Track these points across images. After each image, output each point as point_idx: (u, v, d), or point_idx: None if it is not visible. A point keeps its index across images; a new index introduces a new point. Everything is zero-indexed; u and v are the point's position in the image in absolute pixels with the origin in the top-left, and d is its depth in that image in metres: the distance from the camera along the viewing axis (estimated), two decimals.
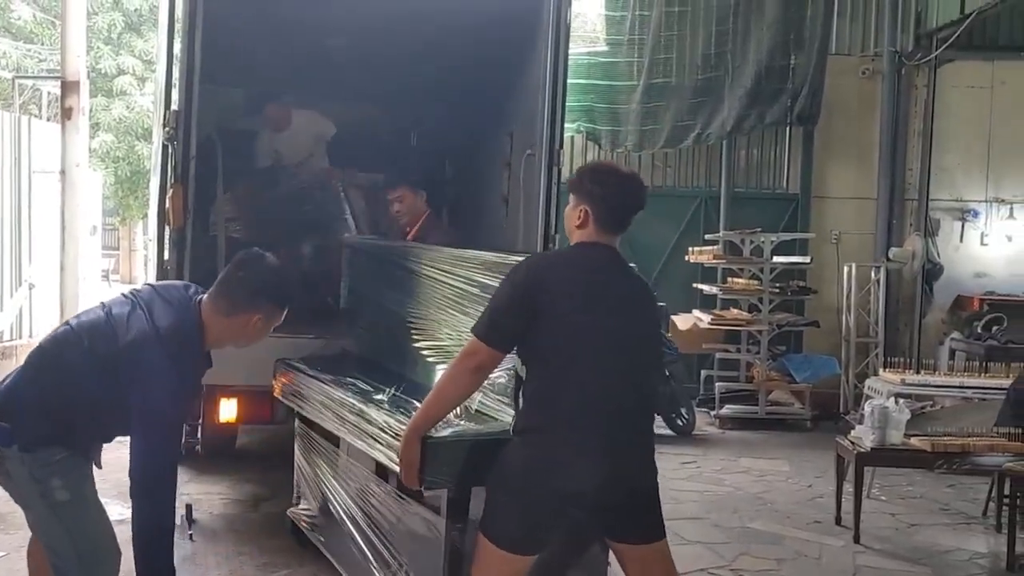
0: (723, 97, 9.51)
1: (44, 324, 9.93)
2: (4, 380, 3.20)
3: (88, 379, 3.04)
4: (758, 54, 9.43)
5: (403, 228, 5.53)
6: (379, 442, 3.24)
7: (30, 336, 9.76)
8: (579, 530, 2.95)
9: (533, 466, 2.78)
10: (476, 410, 3.20)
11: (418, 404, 3.13)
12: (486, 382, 2.99)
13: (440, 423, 2.97)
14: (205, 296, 3.14)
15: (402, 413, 3.24)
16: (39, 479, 3.09)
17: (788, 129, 9.88)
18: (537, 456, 2.78)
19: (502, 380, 3.15)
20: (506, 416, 3.11)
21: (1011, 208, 9.91)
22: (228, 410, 4.90)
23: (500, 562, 2.83)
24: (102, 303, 3.21)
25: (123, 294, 3.23)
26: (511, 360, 3.03)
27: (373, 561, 3.49)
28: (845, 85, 9.84)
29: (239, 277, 3.13)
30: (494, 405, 3.23)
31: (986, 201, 9.93)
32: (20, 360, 10.12)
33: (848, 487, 5.60)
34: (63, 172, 9.58)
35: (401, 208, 5.47)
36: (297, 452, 4.28)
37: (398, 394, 3.42)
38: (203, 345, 3.11)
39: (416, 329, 3.64)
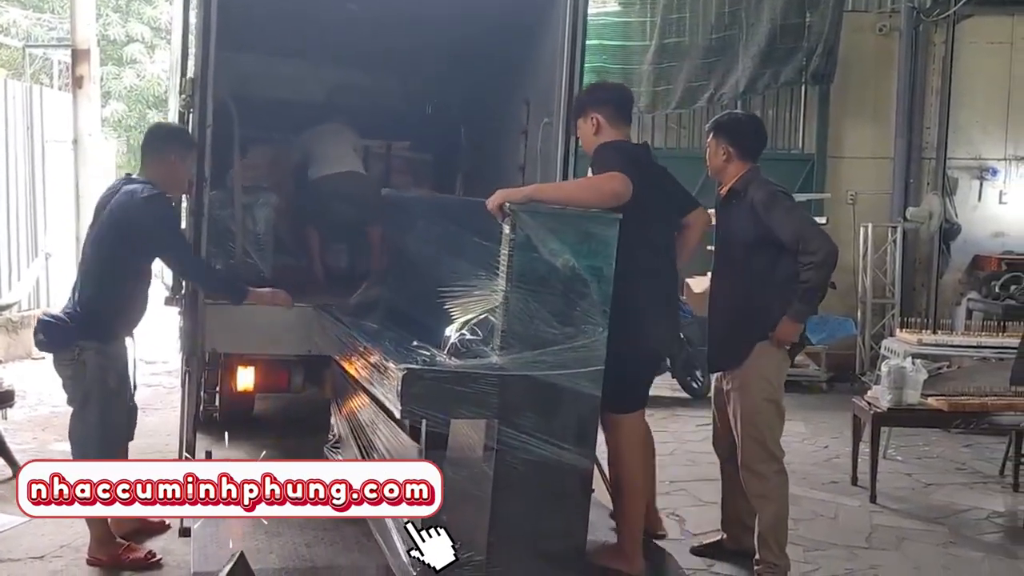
0: (737, 57, 9.40)
1: (61, 294, 10.01)
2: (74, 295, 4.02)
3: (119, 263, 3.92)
4: (772, 12, 9.32)
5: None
6: (374, 379, 3.33)
7: (47, 305, 9.81)
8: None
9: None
10: (455, 344, 3.21)
11: (418, 348, 3.28)
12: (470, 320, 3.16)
13: (424, 358, 3.14)
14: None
15: (397, 355, 3.27)
16: (105, 368, 3.89)
17: (803, 88, 9.76)
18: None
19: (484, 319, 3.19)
20: (485, 352, 3.14)
21: None
22: (245, 378, 4.96)
23: (640, 422, 3.79)
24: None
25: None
26: (488, 303, 3.13)
27: None
28: (861, 43, 9.71)
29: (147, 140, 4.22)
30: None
31: (1005, 159, 9.82)
32: None
33: (864, 447, 5.61)
34: (76, 141, 9.61)
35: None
36: (331, 391, 4.38)
37: (402, 343, 3.45)
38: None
39: (442, 280, 3.64)
